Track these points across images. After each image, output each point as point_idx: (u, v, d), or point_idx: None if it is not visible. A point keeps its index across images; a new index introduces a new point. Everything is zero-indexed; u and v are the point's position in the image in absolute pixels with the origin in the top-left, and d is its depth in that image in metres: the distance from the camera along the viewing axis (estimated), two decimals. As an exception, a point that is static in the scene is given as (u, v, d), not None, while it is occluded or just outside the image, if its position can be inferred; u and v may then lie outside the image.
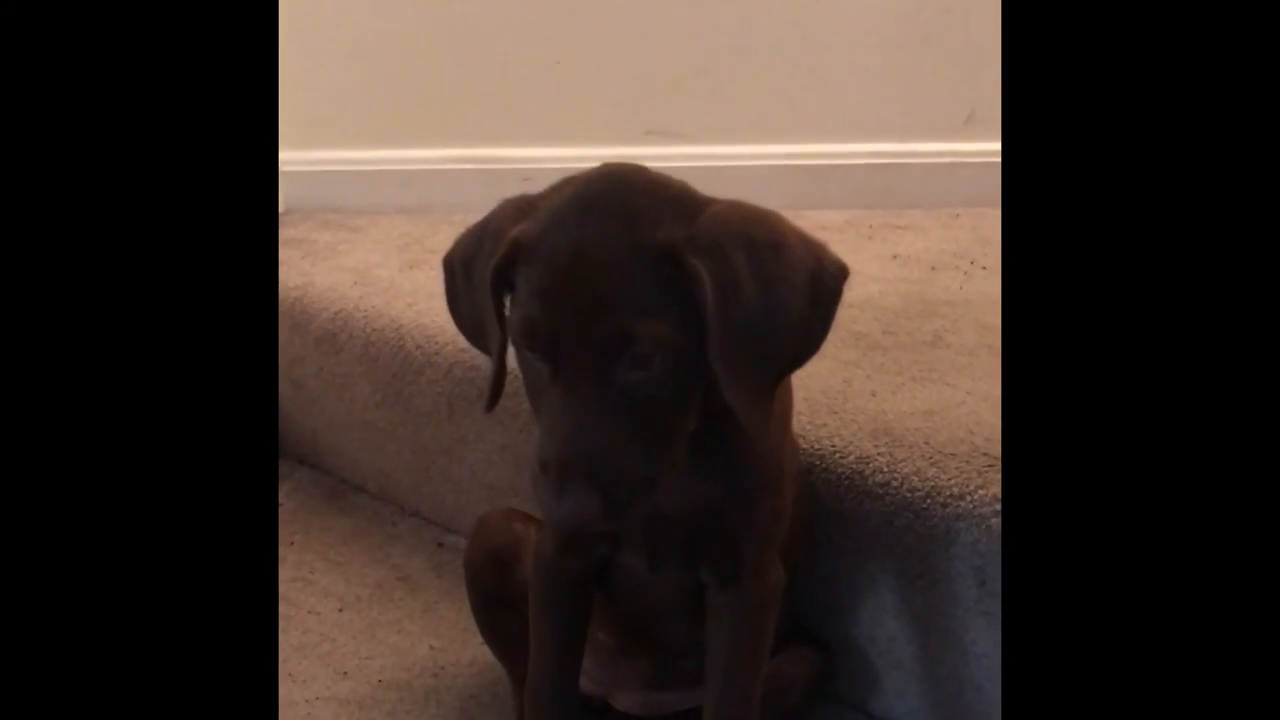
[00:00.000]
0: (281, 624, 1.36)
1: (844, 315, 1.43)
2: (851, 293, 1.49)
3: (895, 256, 1.65)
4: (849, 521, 1.11)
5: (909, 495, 1.08)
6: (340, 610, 1.39)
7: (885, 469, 1.10)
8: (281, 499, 1.64)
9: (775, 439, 0.94)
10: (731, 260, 0.79)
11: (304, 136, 2.07)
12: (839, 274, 0.86)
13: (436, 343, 1.46)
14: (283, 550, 1.51)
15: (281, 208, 2.08)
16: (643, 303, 0.79)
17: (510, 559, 1.11)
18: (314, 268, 1.72)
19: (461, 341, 1.47)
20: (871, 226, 1.78)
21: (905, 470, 1.09)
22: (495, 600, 1.12)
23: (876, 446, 1.12)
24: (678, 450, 0.84)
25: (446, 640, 1.33)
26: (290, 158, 2.08)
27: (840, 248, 1.76)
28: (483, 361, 1.44)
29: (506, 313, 0.86)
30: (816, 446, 1.14)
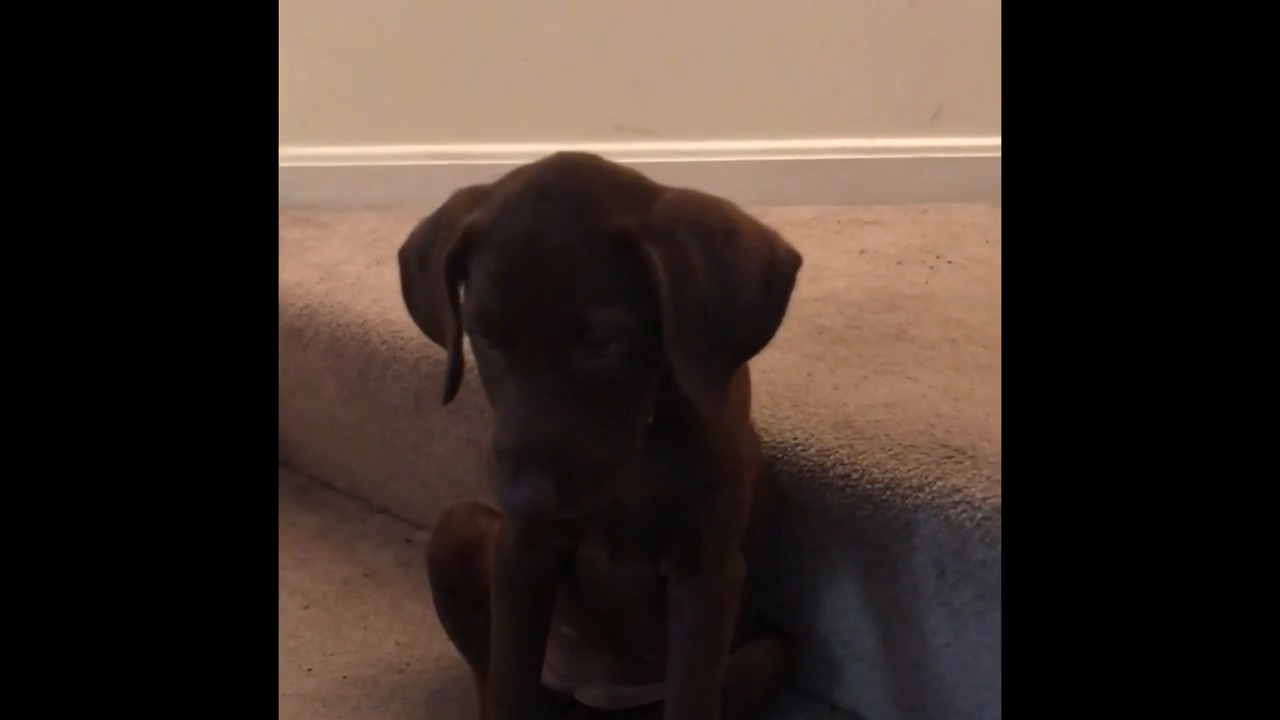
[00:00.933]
0: (246, 621, 1.35)
1: (809, 309, 1.46)
2: (817, 287, 1.53)
3: (862, 251, 1.66)
4: (811, 514, 1.12)
5: (869, 487, 1.08)
6: (306, 607, 1.39)
7: (846, 461, 1.10)
8: (248, 496, 1.63)
9: (733, 429, 0.94)
10: (685, 247, 0.80)
11: (272, 132, 2.06)
12: (792, 261, 0.86)
13: (402, 338, 1.46)
14: (249, 547, 1.51)
15: (249, 204, 2.08)
16: (597, 289, 0.79)
17: (474, 553, 1.11)
18: (281, 264, 1.71)
19: (427, 337, 1.49)
20: (839, 222, 1.78)
21: (866, 462, 1.10)
22: (458, 595, 1.12)
23: (838, 439, 1.12)
24: (635, 438, 0.84)
25: (412, 636, 1.33)
26: (258, 154, 2.08)
27: (808, 243, 1.77)
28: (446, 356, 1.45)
29: (461, 302, 0.86)
30: (779, 439, 1.14)
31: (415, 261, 0.91)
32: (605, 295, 0.79)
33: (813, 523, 1.12)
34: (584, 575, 1.01)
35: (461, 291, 0.86)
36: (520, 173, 0.85)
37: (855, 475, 1.09)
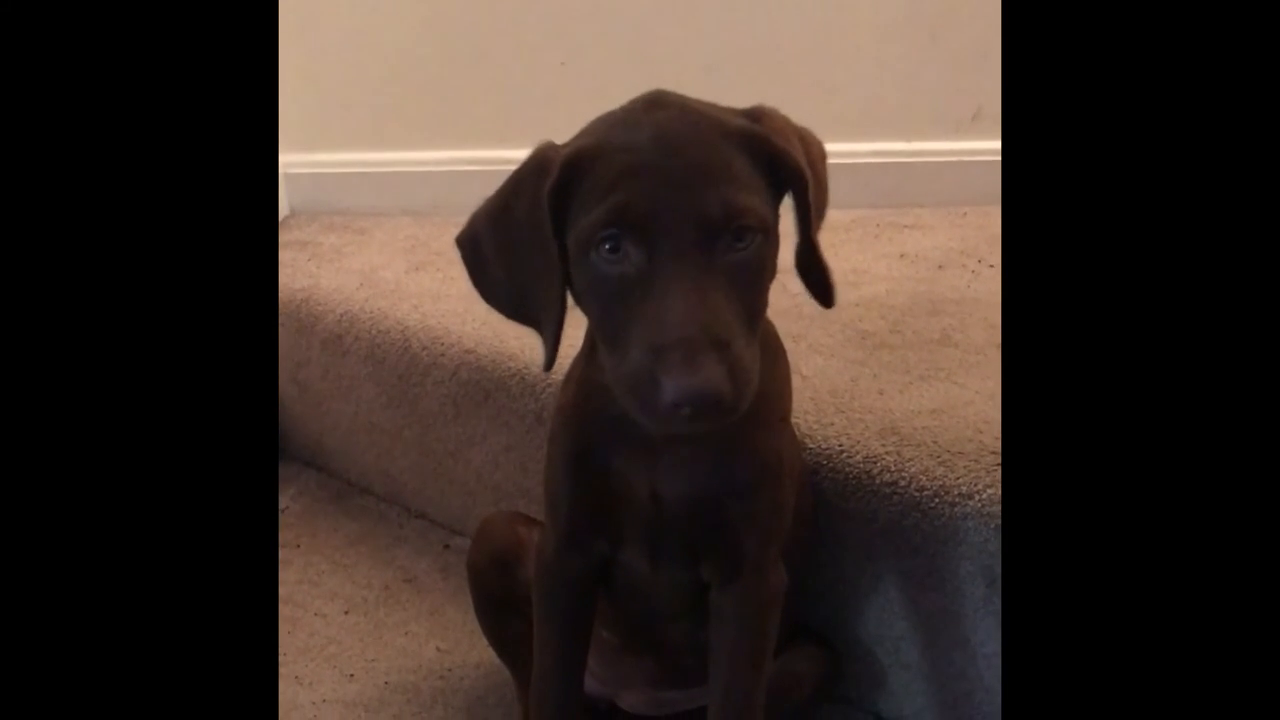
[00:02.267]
0: (287, 626, 1.36)
1: (850, 314, 1.45)
2: (858, 292, 1.52)
3: (902, 255, 1.64)
4: (856, 521, 1.11)
5: (916, 495, 1.07)
6: (346, 613, 1.39)
7: (893, 468, 1.09)
8: (287, 502, 1.63)
9: (774, 426, 0.93)
10: (799, 144, 0.85)
11: (308, 139, 2.07)
12: (823, 146, 0.92)
13: (442, 344, 1.46)
14: (289, 553, 1.51)
15: (286, 211, 2.08)
16: (741, 178, 0.79)
17: (513, 561, 1.10)
18: (319, 270, 1.72)
19: (468, 342, 1.49)
20: (878, 225, 1.77)
21: (913, 470, 1.08)
22: (499, 603, 1.12)
23: (884, 445, 1.11)
24: (757, 343, 0.81)
25: (453, 642, 1.32)
26: (294, 160, 2.08)
27: (847, 247, 1.76)
28: (488, 362, 1.44)
29: (574, 229, 0.81)
30: (823, 446, 1.13)
31: (488, 234, 0.87)
32: (747, 183, 0.79)
33: (858, 530, 1.11)
34: (624, 582, 1.00)
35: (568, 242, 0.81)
36: (606, 115, 0.84)
37: (902, 483, 1.08)
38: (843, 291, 1.47)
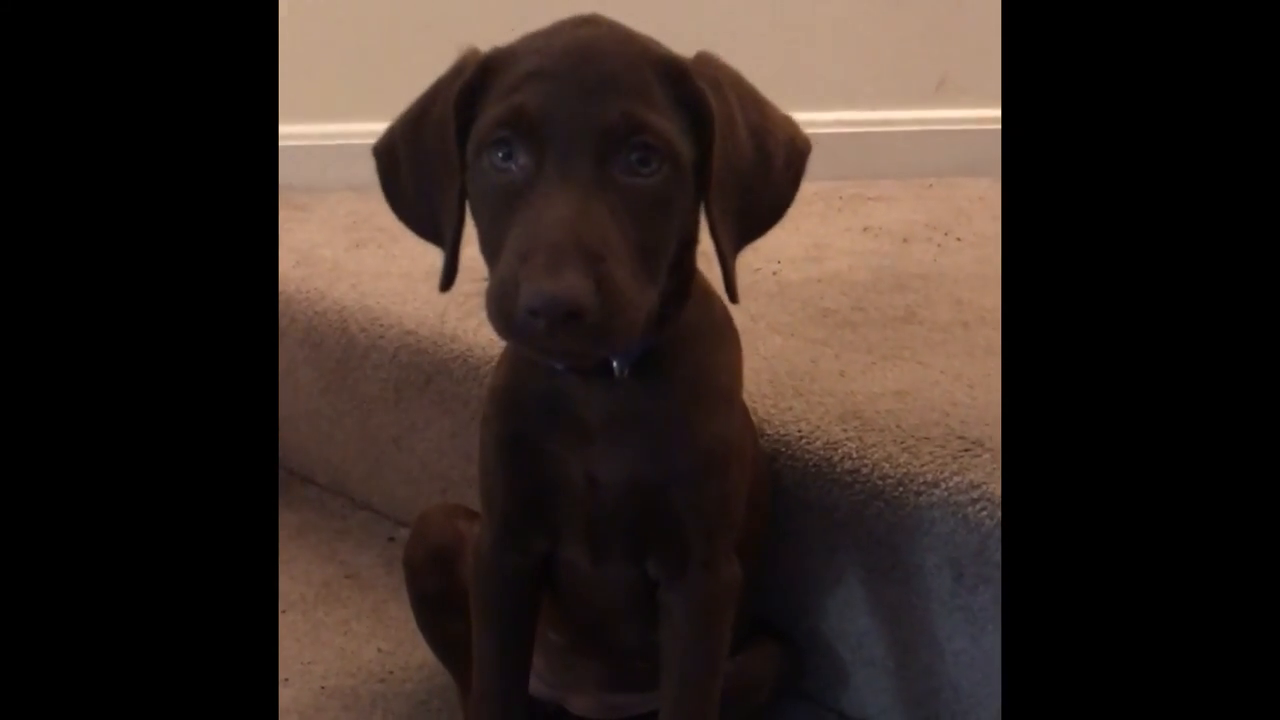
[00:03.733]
0: (219, 627, 1.28)
1: (811, 290, 1.38)
2: (820, 267, 1.45)
3: (866, 229, 1.58)
4: (816, 511, 1.05)
5: (880, 483, 1.01)
6: (283, 612, 1.31)
7: (854, 455, 1.03)
8: (224, 493, 1.56)
9: (715, 405, 0.86)
10: (729, 100, 0.77)
11: (248, 111, 1.98)
12: (807, 145, 0.84)
13: (381, 325, 1.38)
14: (224, 548, 1.43)
15: (224, 186, 2.00)
16: (652, 98, 0.73)
17: (452, 557, 1.03)
18: (255, 248, 1.64)
19: (408, 323, 1.42)
20: (842, 198, 1.71)
21: (876, 456, 1.02)
22: (438, 602, 1.05)
23: (845, 431, 1.05)
24: (654, 292, 0.76)
25: (395, 642, 1.25)
26: (234, 133, 2.00)
27: (809, 221, 1.69)
28: (429, 344, 1.37)
29: (475, 132, 0.76)
30: (782, 431, 1.07)
31: (403, 140, 0.82)
32: (659, 107, 0.73)
33: (818, 520, 1.05)
34: (566, 580, 0.93)
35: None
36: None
37: (864, 470, 1.02)
38: (803, 267, 1.41)
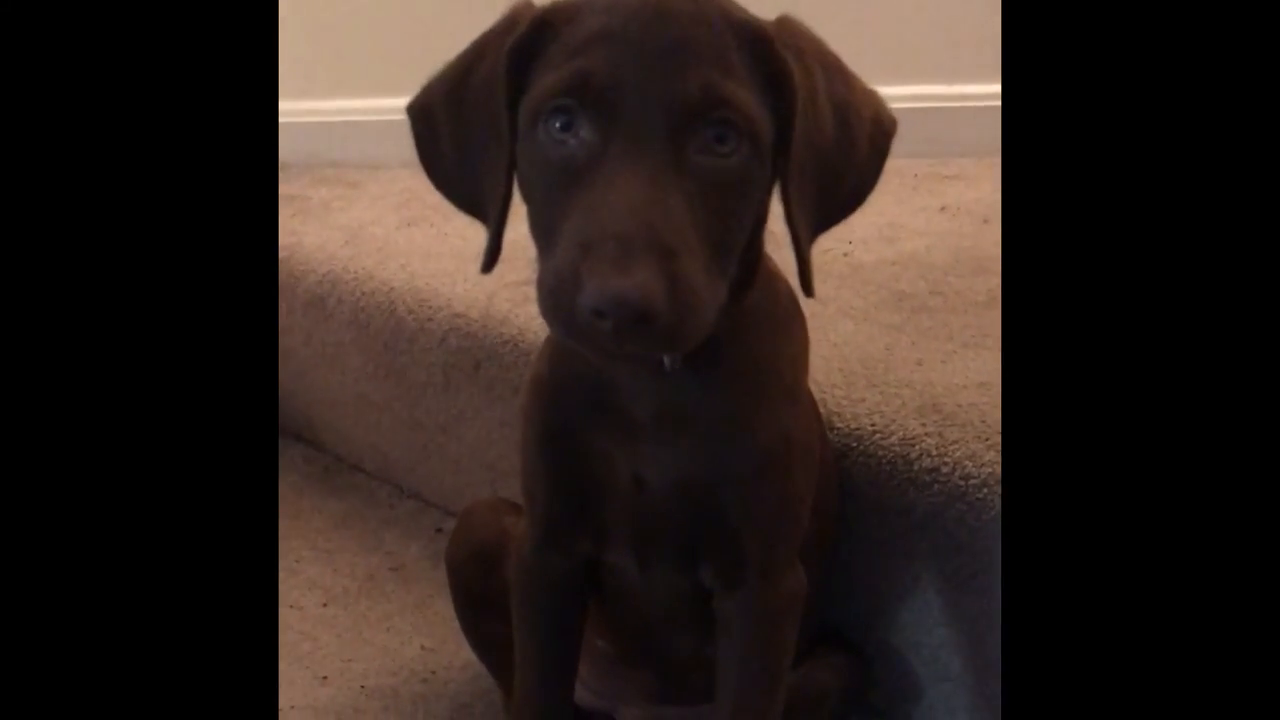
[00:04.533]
0: (259, 620, 1.24)
1: (885, 273, 1.29)
2: (894, 248, 1.36)
3: (943, 208, 1.49)
4: (890, 513, 0.96)
5: (961, 483, 0.92)
6: (325, 605, 1.26)
7: (934, 452, 0.94)
8: (270, 479, 1.52)
9: (775, 398, 0.78)
10: (813, 71, 0.69)
11: (301, 86, 1.93)
12: (893, 123, 0.75)
13: (430, 307, 1.32)
14: (267, 536, 1.39)
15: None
16: (733, 69, 0.65)
17: (497, 556, 0.96)
18: (304, 226, 1.59)
19: (457, 305, 1.35)
20: (916, 176, 1.61)
21: (957, 454, 0.93)
22: (481, 603, 0.99)
23: (923, 425, 0.96)
24: (724, 285, 0.68)
25: (439, 640, 1.19)
26: (286, 108, 1.95)
27: (882, 200, 1.58)
28: (478, 328, 1.30)
29: (530, 96, 0.68)
30: (854, 425, 0.98)
31: (442, 101, 0.73)
32: (740, 78, 0.65)
33: (893, 523, 0.96)
34: (613, 586, 0.86)
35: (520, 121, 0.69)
36: None
37: (945, 469, 0.93)
38: (877, 248, 1.31)
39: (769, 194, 0.71)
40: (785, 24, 0.70)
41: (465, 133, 0.73)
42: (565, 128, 0.65)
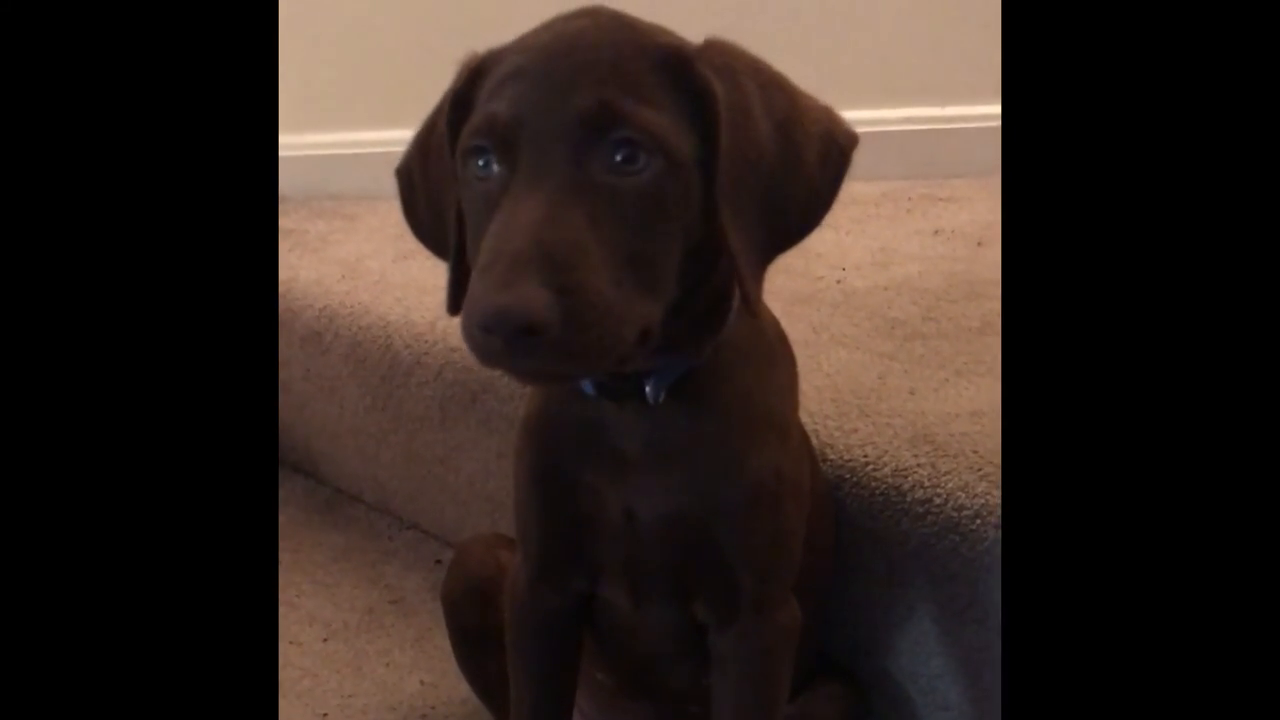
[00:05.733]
0: (259, 656, 1.24)
1: (877, 299, 1.29)
2: (887, 273, 1.36)
3: (937, 232, 1.49)
4: (884, 543, 0.96)
5: (954, 514, 0.92)
6: (325, 640, 1.26)
7: (927, 483, 0.94)
8: (270, 512, 1.52)
9: (762, 433, 0.78)
10: (745, 88, 0.68)
11: (298, 119, 1.94)
12: (850, 139, 0.73)
13: (425, 342, 1.33)
14: (267, 571, 1.39)
15: (274, 196, 1.97)
16: (638, 87, 0.65)
17: (493, 591, 0.97)
18: (300, 260, 1.60)
19: (452, 339, 1.36)
20: (910, 199, 1.61)
21: (950, 485, 0.93)
22: (477, 638, 0.99)
23: (916, 456, 0.96)
24: (652, 304, 0.66)
25: (438, 674, 1.19)
26: (286, 142, 1.96)
27: (875, 223, 1.60)
28: (474, 361, 1.30)
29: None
30: (846, 456, 0.98)
31: (415, 155, 0.77)
32: (647, 97, 0.65)
33: (887, 553, 0.96)
34: (608, 621, 0.86)
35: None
36: None
37: (938, 500, 0.93)
38: (870, 274, 1.31)
39: (701, 214, 0.68)
40: (714, 45, 0.70)
41: (431, 183, 0.76)
42: (484, 166, 0.67)
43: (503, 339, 0.60)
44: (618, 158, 0.64)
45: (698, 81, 0.66)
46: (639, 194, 0.64)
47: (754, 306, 0.71)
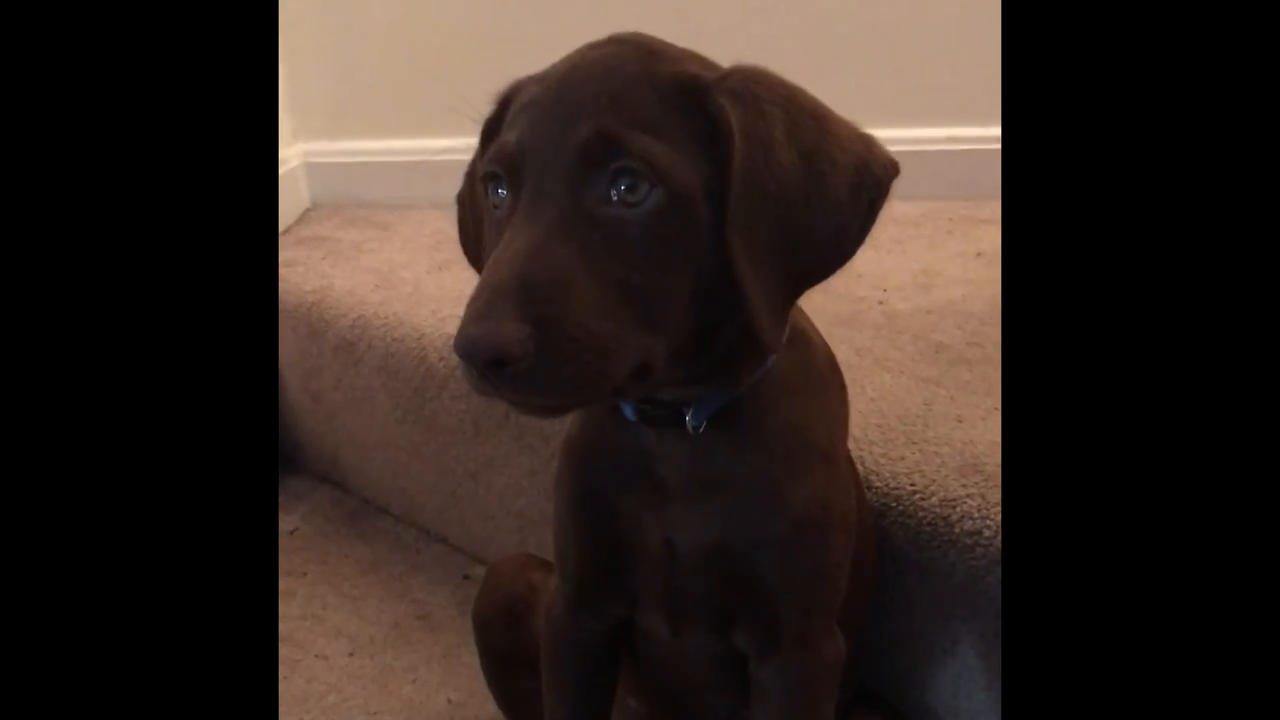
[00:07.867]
0: (285, 670, 1.22)
1: (921, 322, 1.27)
2: (930, 296, 1.34)
3: (979, 254, 1.46)
4: (931, 574, 0.93)
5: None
6: (350, 655, 1.25)
7: (975, 514, 0.91)
8: (297, 523, 1.50)
9: (809, 463, 0.76)
10: (768, 116, 0.65)
11: (332, 126, 1.94)
12: (889, 168, 0.69)
13: (459, 354, 1.31)
14: (293, 582, 1.37)
15: (307, 203, 1.96)
16: (643, 117, 0.63)
17: (525, 612, 0.95)
18: (334, 269, 1.59)
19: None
20: (951, 220, 1.59)
21: (999, 516, 0.90)
22: (508, 659, 0.97)
23: (965, 487, 0.93)
24: (654, 337, 0.64)
25: (466, 692, 1.17)
26: (317, 149, 1.96)
27: (916, 244, 1.57)
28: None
29: None
30: (893, 484, 0.96)
31: (465, 182, 0.79)
32: (652, 127, 0.63)
33: (933, 584, 0.94)
34: (645, 649, 0.84)
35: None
36: None
37: (987, 532, 0.90)
38: (912, 296, 1.28)
39: (714, 246, 0.65)
40: (737, 71, 0.67)
41: (475, 208, 0.76)
42: (499, 193, 0.67)
43: (476, 369, 0.59)
44: (620, 188, 0.62)
45: (713, 109, 0.64)
46: (640, 225, 0.62)
47: (768, 346, 0.67)
